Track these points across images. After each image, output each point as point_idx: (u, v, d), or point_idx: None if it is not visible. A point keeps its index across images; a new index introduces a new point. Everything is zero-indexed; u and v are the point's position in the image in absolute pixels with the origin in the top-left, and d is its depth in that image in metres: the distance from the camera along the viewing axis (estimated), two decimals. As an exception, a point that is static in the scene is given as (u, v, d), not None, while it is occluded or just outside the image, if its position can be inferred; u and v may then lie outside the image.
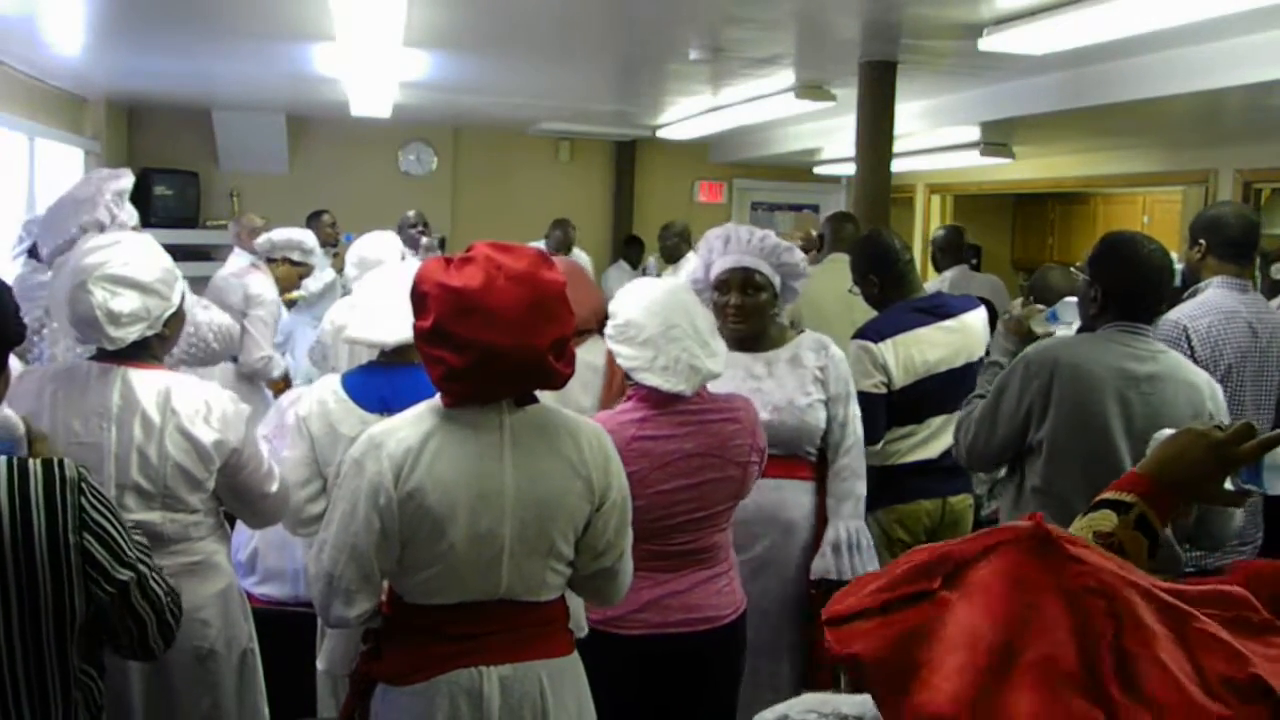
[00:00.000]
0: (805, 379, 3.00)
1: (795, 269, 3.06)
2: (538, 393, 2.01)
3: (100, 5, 4.86)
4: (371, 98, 6.90)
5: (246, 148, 8.68)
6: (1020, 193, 9.15)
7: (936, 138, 6.87)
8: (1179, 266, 3.49)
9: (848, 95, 5.45)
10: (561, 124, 8.61)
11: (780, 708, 1.13)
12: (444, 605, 1.95)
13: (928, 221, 9.09)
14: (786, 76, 5.80)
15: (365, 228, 5.33)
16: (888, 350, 3.39)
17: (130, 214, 3.66)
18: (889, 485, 3.47)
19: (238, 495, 2.45)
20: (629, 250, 8.97)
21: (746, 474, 2.61)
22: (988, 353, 3.62)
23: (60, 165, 7.06)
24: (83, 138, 7.52)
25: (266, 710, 2.59)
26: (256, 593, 3.00)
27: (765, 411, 2.85)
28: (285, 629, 2.87)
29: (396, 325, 2.42)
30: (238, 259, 5.62)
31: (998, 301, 5.77)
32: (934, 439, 3.43)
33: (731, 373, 2.81)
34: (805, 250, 6.70)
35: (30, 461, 1.64)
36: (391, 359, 2.56)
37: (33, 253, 4.89)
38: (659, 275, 6.95)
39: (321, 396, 2.52)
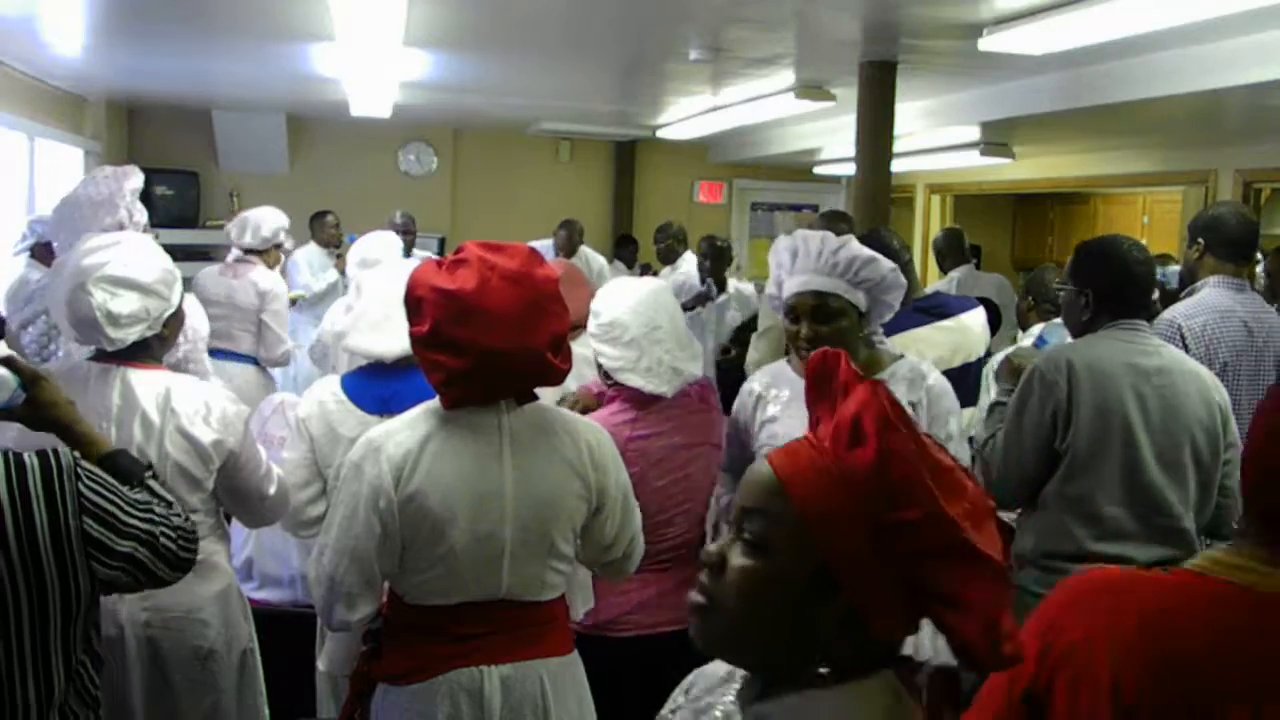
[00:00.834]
0: None
1: (883, 283, 2.48)
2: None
3: (100, 5, 4.86)
4: (371, 98, 6.90)
5: (246, 148, 8.68)
6: (1020, 193, 9.16)
7: (936, 138, 6.87)
8: (1175, 268, 3.50)
9: (848, 95, 5.45)
10: (561, 124, 8.61)
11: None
12: (445, 605, 1.95)
13: (928, 221, 9.08)
14: (786, 76, 5.80)
15: (365, 228, 5.36)
16: None
17: (143, 213, 3.69)
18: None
19: (236, 496, 2.45)
20: (622, 250, 8.96)
21: (718, 454, 2.67)
22: (988, 353, 3.63)
23: (60, 165, 7.06)
24: (83, 138, 7.52)
25: (266, 710, 2.59)
26: (254, 598, 3.00)
27: None
28: (285, 629, 2.87)
29: (396, 338, 2.42)
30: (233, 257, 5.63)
31: (1003, 300, 5.78)
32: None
33: (802, 410, 2.53)
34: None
35: (26, 455, 1.64)
36: (391, 361, 2.56)
37: (34, 252, 4.90)
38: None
39: (321, 398, 2.52)
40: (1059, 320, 2.84)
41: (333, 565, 1.91)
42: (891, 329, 3.44)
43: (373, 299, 2.56)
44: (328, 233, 7.11)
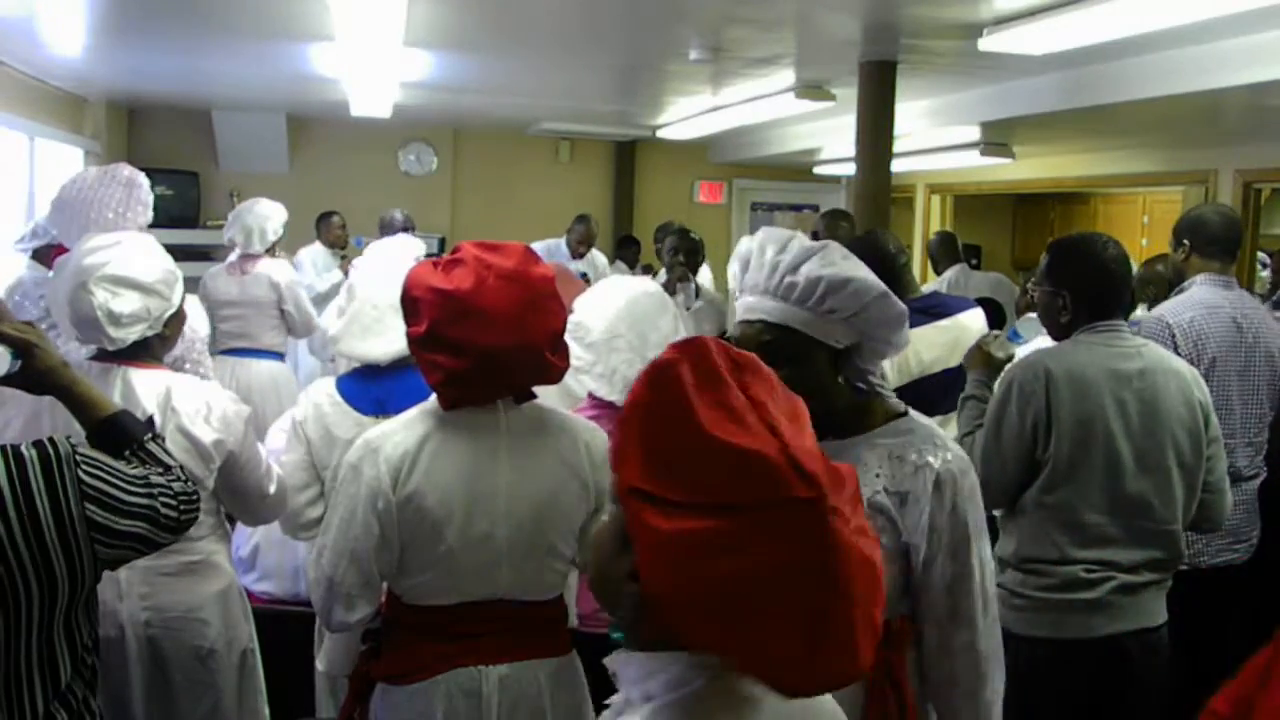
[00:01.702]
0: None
1: (867, 315, 1.75)
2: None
3: (100, 5, 4.86)
4: (371, 98, 6.90)
5: (246, 148, 8.68)
6: (1020, 193, 9.16)
7: (936, 138, 6.86)
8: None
9: (848, 95, 5.45)
10: (561, 124, 8.61)
11: None
12: (443, 606, 1.95)
13: (928, 221, 9.08)
14: (786, 76, 5.80)
15: (366, 228, 5.38)
16: None
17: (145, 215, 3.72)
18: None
19: (237, 495, 2.46)
20: (624, 250, 8.96)
21: None
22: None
23: (60, 165, 7.06)
24: (83, 138, 7.52)
25: (266, 710, 2.59)
26: (256, 590, 2.99)
27: None
28: (285, 629, 2.87)
29: (388, 340, 2.42)
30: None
31: (1002, 297, 5.79)
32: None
33: None
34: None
35: (24, 447, 1.64)
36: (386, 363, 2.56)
37: (35, 253, 4.89)
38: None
39: (317, 400, 2.52)
40: (1032, 315, 2.81)
41: (331, 566, 1.92)
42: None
43: (364, 302, 2.55)
44: (334, 233, 7.11)
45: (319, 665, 2.61)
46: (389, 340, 2.44)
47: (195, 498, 1.86)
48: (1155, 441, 2.52)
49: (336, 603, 1.93)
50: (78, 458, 1.68)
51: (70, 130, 7.30)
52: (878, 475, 1.76)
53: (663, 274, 7.17)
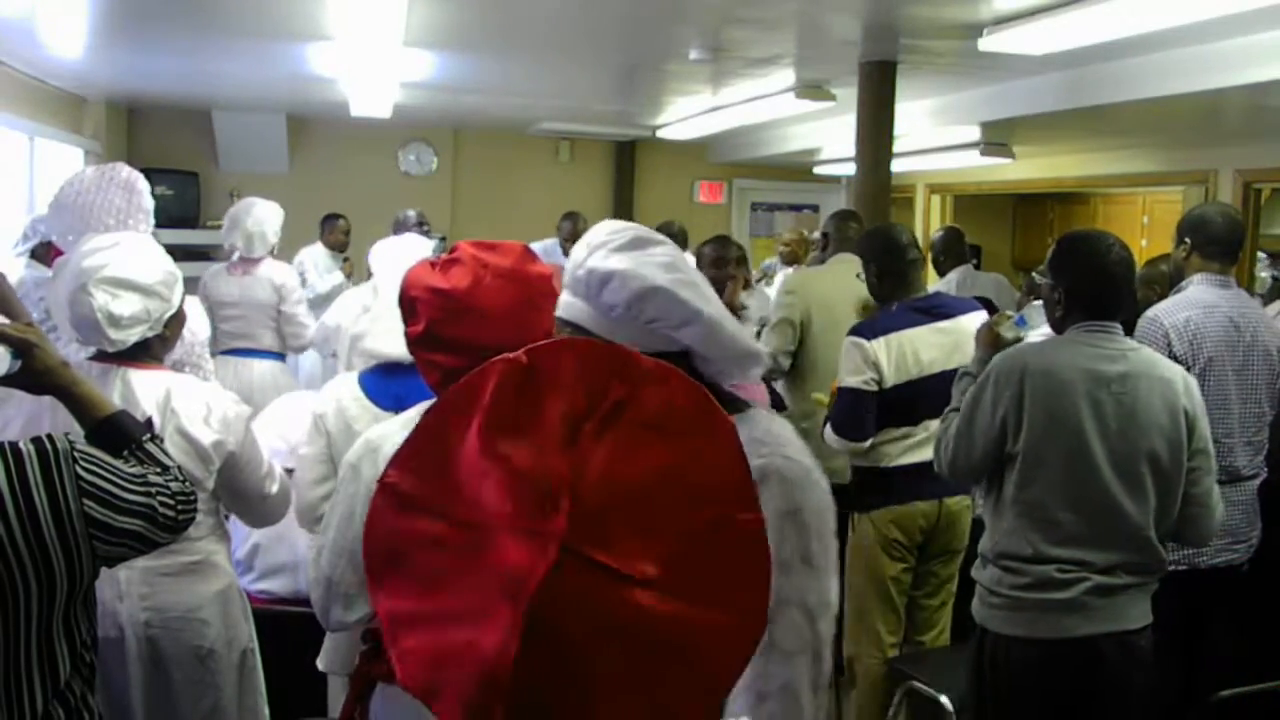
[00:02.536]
0: None
1: (642, 307, 1.48)
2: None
3: (100, 5, 4.87)
4: (371, 98, 6.91)
5: (246, 148, 8.68)
6: (1020, 193, 9.15)
7: (936, 137, 6.87)
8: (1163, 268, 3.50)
9: (848, 95, 5.45)
10: (561, 124, 8.61)
11: None
12: (442, 605, 1.94)
13: (928, 221, 9.08)
14: (786, 76, 5.80)
15: (366, 227, 5.37)
16: (880, 348, 3.39)
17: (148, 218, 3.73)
18: (884, 487, 3.47)
19: (237, 496, 2.46)
20: None
21: None
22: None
23: (60, 165, 7.06)
24: (83, 138, 7.52)
25: (266, 710, 2.59)
26: (256, 589, 2.99)
27: None
28: (285, 629, 2.87)
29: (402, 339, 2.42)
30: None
31: (1002, 299, 5.78)
32: (930, 441, 3.42)
33: None
34: (794, 260, 6.67)
35: (22, 444, 1.64)
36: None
37: (34, 252, 4.90)
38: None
39: (339, 394, 2.52)
40: (1039, 302, 2.81)
41: (330, 566, 1.91)
42: (888, 327, 3.45)
43: (388, 301, 2.57)
44: (337, 236, 7.10)
45: (320, 665, 2.61)
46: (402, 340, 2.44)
47: (193, 498, 1.86)
48: (1130, 445, 2.49)
49: (335, 602, 1.92)
50: (76, 454, 1.68)
51: (70, 130, 7.30)
52: None
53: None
